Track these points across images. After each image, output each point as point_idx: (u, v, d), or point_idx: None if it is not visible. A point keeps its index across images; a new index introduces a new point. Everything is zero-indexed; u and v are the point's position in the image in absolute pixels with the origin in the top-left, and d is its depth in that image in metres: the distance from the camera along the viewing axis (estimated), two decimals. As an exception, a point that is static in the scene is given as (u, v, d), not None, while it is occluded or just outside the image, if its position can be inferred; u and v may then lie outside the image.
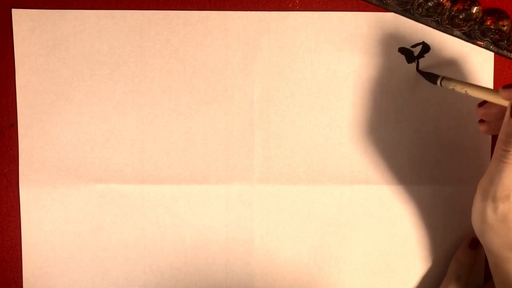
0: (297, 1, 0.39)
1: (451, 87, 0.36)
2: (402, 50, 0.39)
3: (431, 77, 0.38)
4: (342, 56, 0.39)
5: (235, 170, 0.40)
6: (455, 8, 0.37)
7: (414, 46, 0.39)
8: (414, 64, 0.39)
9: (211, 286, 0.40)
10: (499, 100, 0.32)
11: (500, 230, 0.32)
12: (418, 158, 0.40)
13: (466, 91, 0.34)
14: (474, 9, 0.37)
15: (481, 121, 0.36)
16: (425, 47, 0.39)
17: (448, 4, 0.37)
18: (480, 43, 0.39)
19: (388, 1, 0.38)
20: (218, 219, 0.40)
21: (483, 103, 0.35)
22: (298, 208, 0.40)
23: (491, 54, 0.39)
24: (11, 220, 0.40)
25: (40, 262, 0.40)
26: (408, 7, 0.38)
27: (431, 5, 0.37)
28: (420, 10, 0.38)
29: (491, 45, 0.39)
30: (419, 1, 0.38)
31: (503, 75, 0.40)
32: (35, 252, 0.40)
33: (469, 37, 0.39)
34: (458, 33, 0.39)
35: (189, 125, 0.40)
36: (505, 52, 0.39)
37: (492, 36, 0.38)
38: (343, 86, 0.39)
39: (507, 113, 0.31)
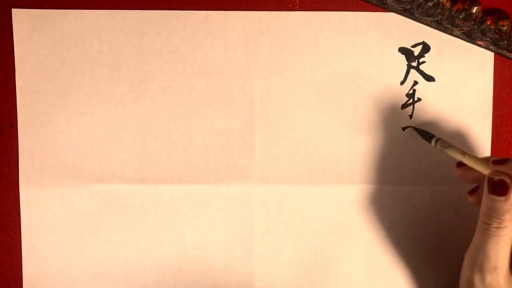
0: (297, 1, 0.39)
1: (445, 147, 0.36)
2: (402, 50, 0.39)
3: (426, 136, 0.38)
4: (342, 56, 0.39)
5: (235, 170, 0.40)
6: (455, 8, 0.37)
7: (414, 46, 0.39)
8: (414, 63, 0.39)
9: (211, 286, 0.40)
10: (487, 172, 0.33)
11: None
12: (418, 158, 0.40)
13: (463, 154, 0.35)
14: (474, 9, 0.37)
15: (459, 165, 0.36)
16: (425, 47, 0.39)
17: (448, 4, 0.37)
18: (480, 43, 0.39)
19: (388, 1, 0.38)
20: (218, 219, 0.40)
21: (461, 164, 0.35)
22: (298, 208, 0.40)
23: (491, 54, 0.39)
24: (11, 220, 0.40)
25: (40, 262, 0.40)
26: (408, 7, 0.38)
27: (431, 5, 0.37)
28: (420, 10, 0.38)
29: (491, 45, 0.39)
30: (419, 1, 0.38)
31: (503, 75, 0.40)
32: (35, 252, 0.40)
33: (469, 37, 0.39)
34: (458, 33, 0.39)
35: (189, 125, 0.40)
36: (505, 52, 0.39)
37: (492, 36, 0.38)
38: (343, 86, 0.39)
39: (485, 189, 0.32)
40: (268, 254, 0.40)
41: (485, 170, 0.33)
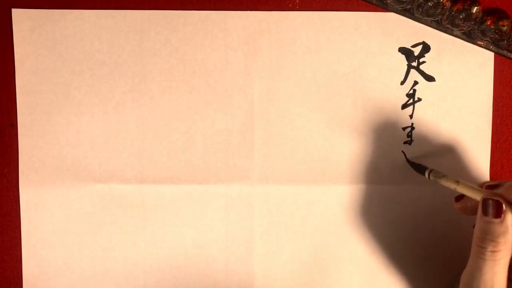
0: (297, 1, 0.39)
1: (438, 177, 0.36)
2: (402, 50, 0.39)
3: (419, 169, 0.38)
4: (342, 56, 0.39)
5: (235, 170, 0.40)
6: (455, 8, 0.37)
7: (414, 46, 0.39)
8: (414, 63, 0.39)
9: (211, 286, 0.40)
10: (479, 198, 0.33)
11: None
12: (418, 158, 0.40)
13: (457, 182, 0.35)
14: (474, 9, 0.37)
15: (457, 199, 0.36)
16: (425, 47, 0.39)
17: (448, 4, 0.37)
18: (480, 43, 0.39)
19: (388, 1, 0.38)
20: (218, 219, 0.40)
21: (459, 197, 0.36)
22: (298, 208, 0.40)
23: (491, 54, 0.39)
24: (11, 220, 0.40)
25: (40, 262, 0.40)
26: (408, 7, 0.38)
27: (431, 5, 0.37)
28: (420, 10, 0.38)
29: (491, 45, 0.39)
30: (419, 1, 0.38)
31: (503, 75, 0.40)
32: (35, 252, 0.40)
33: (469, 37, 0.39)
34: (458, 33, 0.39)
35: (189, 125, 0.40)
36: (505, 52, 0.39)
37: (492, 36, 0.38)
38: (343, 86, 0.39)
39: (479, 211, 0.32)
40: (268, 254, 0.40)
41: (480, 196, 0.33)
